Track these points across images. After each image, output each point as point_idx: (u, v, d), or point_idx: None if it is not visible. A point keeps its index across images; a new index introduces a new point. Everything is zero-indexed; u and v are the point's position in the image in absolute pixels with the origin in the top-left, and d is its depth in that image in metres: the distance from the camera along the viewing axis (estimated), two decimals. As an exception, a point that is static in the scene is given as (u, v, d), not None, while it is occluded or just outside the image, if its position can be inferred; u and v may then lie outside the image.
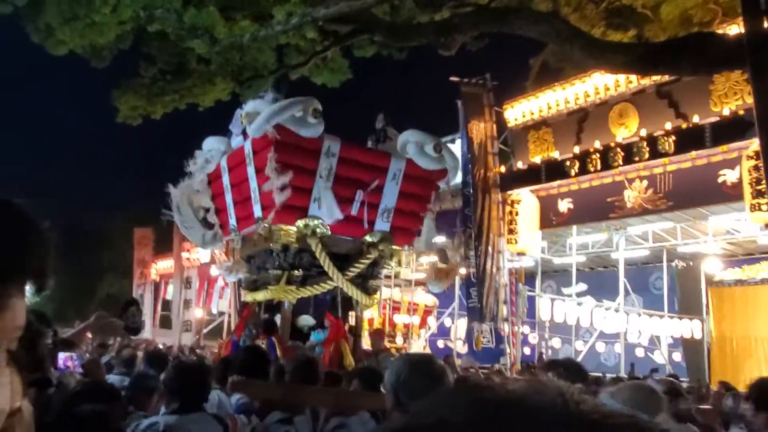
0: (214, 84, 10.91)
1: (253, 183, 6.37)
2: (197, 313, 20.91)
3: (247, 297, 6.90)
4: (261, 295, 6.58)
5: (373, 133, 7.33)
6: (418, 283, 21.50)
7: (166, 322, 23.63)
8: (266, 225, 6.26)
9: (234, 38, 8.94)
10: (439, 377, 1.99)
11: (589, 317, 13.22)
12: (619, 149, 11.21)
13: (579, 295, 14.12)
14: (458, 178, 14.14)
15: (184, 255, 21.76)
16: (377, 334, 8.87)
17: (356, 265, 6.48)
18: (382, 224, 6.65)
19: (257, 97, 6.51)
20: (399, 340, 19.40)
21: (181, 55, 10.80)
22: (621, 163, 11.11)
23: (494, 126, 13.50)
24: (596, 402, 0.44)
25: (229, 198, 6.96)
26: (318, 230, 6.30)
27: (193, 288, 20.93)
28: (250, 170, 6.34)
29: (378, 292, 7.16)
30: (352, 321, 6.86)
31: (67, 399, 2.42)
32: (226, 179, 6.89)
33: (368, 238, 6.63)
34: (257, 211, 6.41)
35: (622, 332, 13.13)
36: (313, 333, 6.47)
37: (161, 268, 24.81)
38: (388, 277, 19.08)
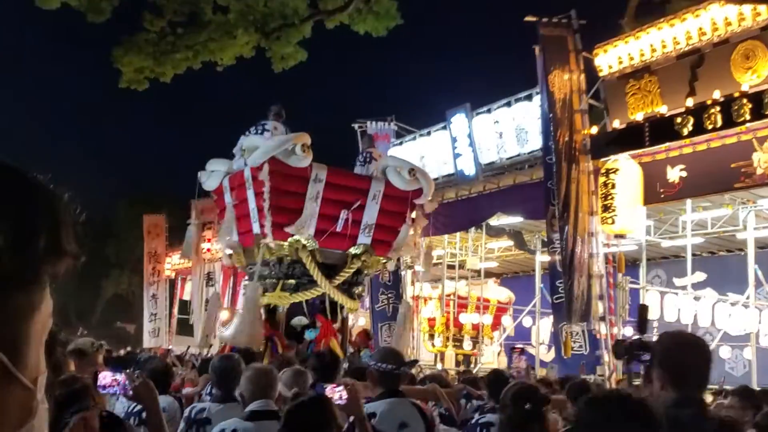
0: (235, 37, 11.01)
1: (252, 204, 8.90)
2: (222, 315, 21.31)
3: None
4: (264, 300, 9.02)
5: (360, 154, 9.99)
6: (489, 274, 21.45)
7: (184, 328, 24.16)
8: (264, 241, 8.77)
9: (257, -22, 8.99)
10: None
11: (710, 315, 12.92)
12: (745, 100, 10.80)
13: (696, 286, 13.80)
14: (538, 143, 14.01)
15: (205, 246, 22.18)
16: (364, 334, 11.39)
17: (341, 274, 9.13)
18: (364, 238, 9.28)
19: (257, 132, 9.04)
20: (467, 345, 19.34)
21: (194, 3, 10.93)
22: (749, 117, 10.70)
23: (582, 76, 13.23)
24: None
25: (230, 214, 9.35)
26: (308, 244, 8.82)
27: (216, 286, 21.34)
28: (250, 193, 8.83)
29: (361, 297, 10.10)
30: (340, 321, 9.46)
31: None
32: (228, 197, 9.37)
33: (352, 251, 9.27)
34: (256, 228, 8.90)
35: (753, 333, 12.79)
36: (306, 331, 8.90)
37: (177, 263, 25.32)
38: (451, 267, 19.10)
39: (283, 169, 8.66)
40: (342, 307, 9.30)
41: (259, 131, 9.07)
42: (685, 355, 2.60)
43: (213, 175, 9.53)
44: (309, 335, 8.81)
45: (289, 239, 8.78)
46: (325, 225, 8.99)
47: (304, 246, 8.78)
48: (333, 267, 9.14)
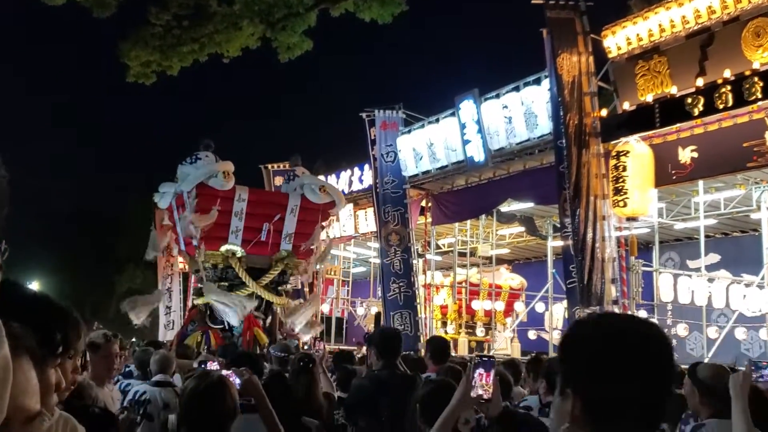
0: (240, 28, 11.00)
1: None
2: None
3: (194, 301, 11.63)
4: (201, 300, 10.98)
5: (286, 173, 12.09)
6: (501, 261, 21.42)
7: (198, 320, 24.32)
8: (200, 250, 10.73)
9: (261, -31, 8.96)
10: None
11: (725, 296, 12.83)
12: (757, 78, 10.67)
13: (710, 268, 13.72)
14: (548, 128, 13.94)
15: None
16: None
17: (267, 275, 11.02)
18: (286, 245, 11.22)
19: (191, 161, 10.79)
20: (479, 332, 19.32)
21: (199, -5, 10.91)
22: (760, 96, 10.56)
23: (591, 59, 13.09)
24: None
25: (179, 228, 11.10)
26: (237, 252, 10.84)
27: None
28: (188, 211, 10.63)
29: (288, 294, 11.75)
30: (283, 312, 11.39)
31: None
32: (176, 214, 11.15)
33: (276, 256, 11.14)
34: (194, 241, 10.75)
35: (769, 314, 12.72)
36: (234, 327, 10.74)
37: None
38: (462, 255, 19.08)
39: (209, 192, 10.54)
40: (270, 303, 11.14)
41: (193, 161, 10.78)
42: (383, 338, 4.68)
43: (164, 195, 11.24)
44: (236, 330, 10.66)
45: (221, 249, 10.80)
46: (251, 235, 10.89)
47: (234, 254, 10.82)
48: (261, 270, 11.01)
